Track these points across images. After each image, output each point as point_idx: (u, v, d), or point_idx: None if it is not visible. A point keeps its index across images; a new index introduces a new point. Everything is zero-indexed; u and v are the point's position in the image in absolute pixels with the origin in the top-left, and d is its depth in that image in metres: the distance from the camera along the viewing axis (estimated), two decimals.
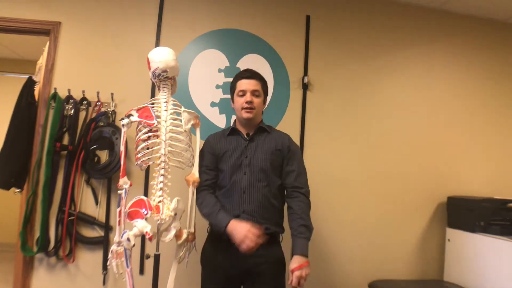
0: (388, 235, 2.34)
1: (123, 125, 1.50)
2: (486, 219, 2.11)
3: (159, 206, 1.41)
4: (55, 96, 2.05)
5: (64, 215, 1.97)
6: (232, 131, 1.62)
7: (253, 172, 1.51)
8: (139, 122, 1.49)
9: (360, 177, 2.35)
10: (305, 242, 1.43)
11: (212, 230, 1.57)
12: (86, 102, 2.07)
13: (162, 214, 1.39)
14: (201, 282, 1.57)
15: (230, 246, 1.41)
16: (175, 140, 1.51)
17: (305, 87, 2.33)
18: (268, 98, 2.27)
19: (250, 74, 1.58)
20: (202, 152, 1.61)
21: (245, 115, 1.54)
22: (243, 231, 1.36)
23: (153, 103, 1.56)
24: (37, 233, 1.97)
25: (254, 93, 1.54)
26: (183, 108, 1.59)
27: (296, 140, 2.25)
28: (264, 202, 1.49)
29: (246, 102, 1.53)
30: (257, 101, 1.55)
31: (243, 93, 1.55)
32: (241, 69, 2.25)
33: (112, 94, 2.10)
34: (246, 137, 1.59)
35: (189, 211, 1.54)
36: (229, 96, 2.23)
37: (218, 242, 1.50)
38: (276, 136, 1.61)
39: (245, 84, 1.55)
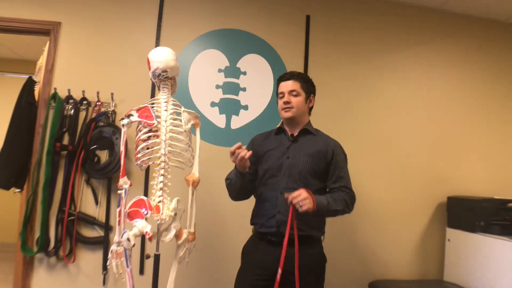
0: (388, 235, 2.33)
1: (123, 125, 1.50)
2: (486, 219, 2.11)
3: (159, 206, 1.41)
4: (55, 96, 2.05)
5: (64, 215, 1.97)
6: (279, 130, 1.66)
7: (292, 173, 1.51)
8: (139, 122, 1.49)
9: (360, 177, 2.33)
10: (324, 199, 1.42)
11: (256, 230, 1.58)
12: (86, 102, 2.07)
13: (162, 214, 1.39)
14: (237, 274, 1.58)
15: (270, 246, 1.47)
16: (175, 140, 1.51)
17: None
18: (269, 98, 2.28)
19: (288, 76, 1.61)
20: None
21: (284, 114, 1.57)
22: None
23: (153, 103, 1.56)
24: (37, 233, 1.97)
25: (291, 93, 1.57)
26: (183, 108, 1.59)
27: None
28: None
29: (284, 103, 1.57)
30: (295, 100, 1.57)
31: (282, 95, 1.59)
32: (241, 69, 2.29)
33: (112, 94, 2.10)
34: (290, 137, 1.60)
35: (189, 211, 1.54)
36: (229, 96, 2.26)
37: (259, 240, 1.54)
38: (321, 139, 1.61)
39: (283, 87, 1.59)
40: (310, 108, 1.67)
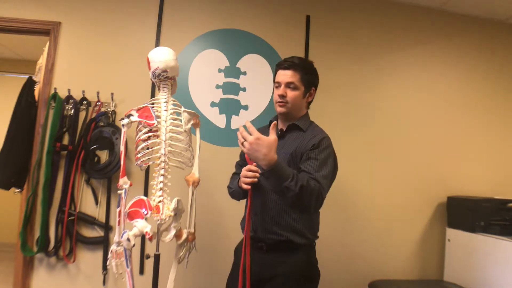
0: (388, 235, 2.33)
1: (123, 125, 1.50)
2: (486, 219, 2.11)
3: (159, 206, 1.40)
4: (55, 96, 2.05)
5: (64, 215, 1.97)
6: (270, 124, 1.49)
7: None
8: (139, 122, 1.49)
9: (360, 177, 2.34)
10: (284, 166, 1.21)
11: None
12: (86, 102, 2.07)
13: (162, 214, 1.39)
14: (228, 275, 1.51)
15: (253, 251, 1.35)
16: (175, 140, 1.51)
17: None
18: (269, 98, 2.27)
19: (288, 64, 1.42)
20: None
21: (278, 109, 1.43)
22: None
23: (153, 103, 1.56)
24: (37, 233, 1.97)
25: (288, 85, 1.40)
26: (183, 108, 1.59)
27: None
28: (279, 206, 1.34)
29: (279, 96, 1.41)
30: (291, 94, 1.40)
31: (278, 85, 1.43)
32: (241, 69, 2.29)
33: (112, 94, 2.10)
34: (279, 132, 1.46)
35: (189, 211, 1.54)
36: (229, 96, 2.26)
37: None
38: (308, 135, 1.41)
39: (281, 76, 1.42)
40: (309, 102, 1.51)
